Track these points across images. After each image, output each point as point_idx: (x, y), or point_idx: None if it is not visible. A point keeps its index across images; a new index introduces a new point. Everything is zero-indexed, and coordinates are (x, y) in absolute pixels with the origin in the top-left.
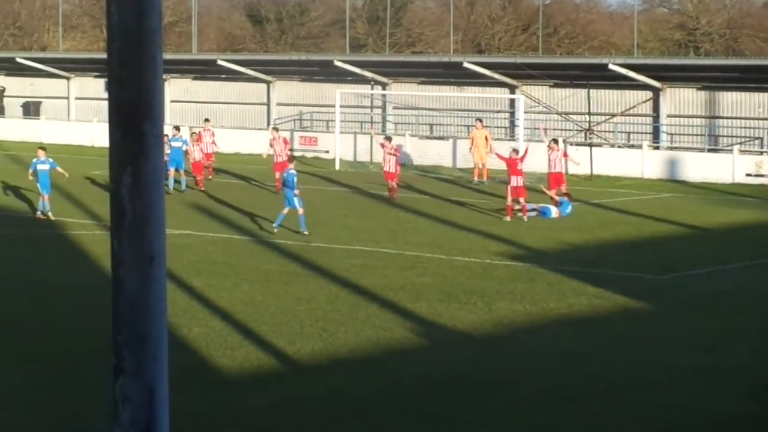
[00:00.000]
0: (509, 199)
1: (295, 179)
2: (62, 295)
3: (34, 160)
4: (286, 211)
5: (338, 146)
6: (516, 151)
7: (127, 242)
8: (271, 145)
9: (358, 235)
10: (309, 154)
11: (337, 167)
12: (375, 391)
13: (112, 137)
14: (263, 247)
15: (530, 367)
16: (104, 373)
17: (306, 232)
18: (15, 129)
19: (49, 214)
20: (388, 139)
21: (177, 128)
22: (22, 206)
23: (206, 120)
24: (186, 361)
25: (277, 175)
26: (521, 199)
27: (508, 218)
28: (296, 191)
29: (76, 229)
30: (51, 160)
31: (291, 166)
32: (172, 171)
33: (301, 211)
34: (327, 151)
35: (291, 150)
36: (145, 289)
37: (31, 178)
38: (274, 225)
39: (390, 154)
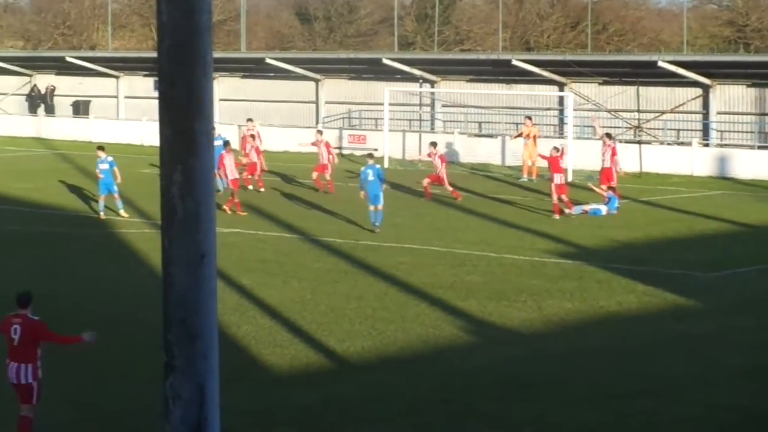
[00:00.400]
0: (555, 197)
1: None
2: (111, 293)
3: (98, 160)
4: (372, 207)
5: (387, 144)
6: (557, 148)
7: (177, 240)
8: (315, 145)
9: (407, 233)
10: (357, 153)
11: (386, 165)
12: (424, 390)
13: (162, 135)
14: (312, 246)
15: (580, 364)
16: (155, 371)
17: (379, 228)
18: (65, 128)
19: (101, 214)
20: (434, 144)
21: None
22: (72, 204)
23: (249, 120)
24: (236, 360)
25: (315, 175)
26: (563, 196)
27: (556, 216)
28: (384, 186)
29: (125, 227)
30: (111, 159)
31: (371, 161)
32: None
33: (380, 207)
34: (376, 149)
35: (333, 155)
36: (195, 287)
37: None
38: (375, 224)
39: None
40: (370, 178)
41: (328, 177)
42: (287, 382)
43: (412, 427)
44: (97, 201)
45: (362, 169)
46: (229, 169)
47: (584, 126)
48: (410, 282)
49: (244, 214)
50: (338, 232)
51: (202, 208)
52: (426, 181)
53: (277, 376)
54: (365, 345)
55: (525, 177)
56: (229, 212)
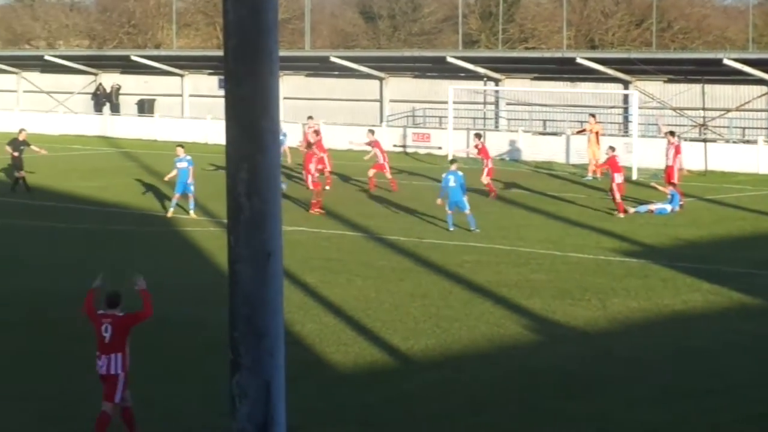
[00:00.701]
0: (617, 196)
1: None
2: (176, 291)
3: (176, 158)
4: (450, 212)
5: (451, 142)
6: (612, 148)
7: (243, 238)
8: (369, 145)
9: (472, 232)
10: (422, 151)
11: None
12: (488, 387)
13: (228, 134)
14: (376, 244)
15: (645, 363)
16: (220, 370)
17: (477, 230)
18: (130, 126)
19: (171, 211)
20: (478, 136)
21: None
22: (137, 203)
23: (309, 118)
24: (300, 358)
25: (371, 173)
26: (617, 195)
27: (621, 215)
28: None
29: (191, 225)
30: (189, 158)
31: (455, 167)
32: None
33: (467, 212)
34: (440, 147)
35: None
36: (262, 285)
37: (169, 178)
38: (472, 228)
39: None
40: (451, 184)
41: (389, 176)
42: (351, 381)
43: (475, 426)
44: (169, 198)
45: (444, 175)
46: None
47: (649, 124)
48: (475, 280)
49: (320, 213)
50: (402, 230)
51: (268, 206)
52: (486, 180)
53: (341, 375)
54: (429, 343)
55: (590, 175)
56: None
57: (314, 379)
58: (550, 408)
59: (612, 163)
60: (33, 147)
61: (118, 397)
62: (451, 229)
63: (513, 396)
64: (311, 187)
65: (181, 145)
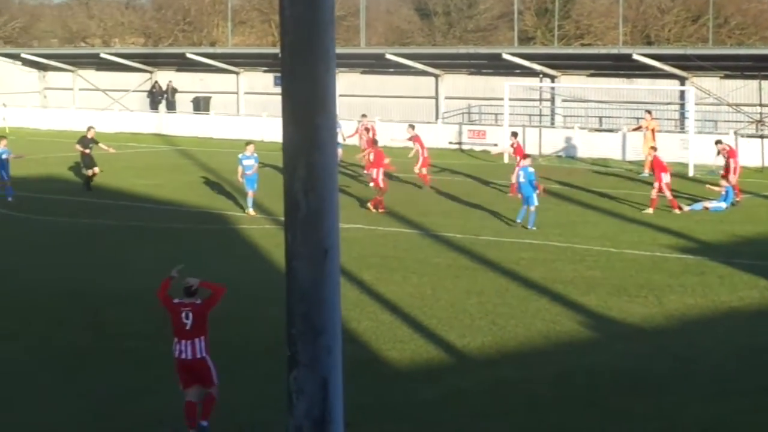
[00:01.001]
0: (669, 193)
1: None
2: (232, 289)
3: (240, 155)
4: (527, 207)
5: (506, 140)
6: (654, 148)
7: (301, 235)
8: (411, 141)
9: (528, 229)
10: (477, 148)
11: (506, 160)
12: (544, 384)
13: (285, 131)
14: (432, 241)
15: (701, 360)
16: (276, 366)
17: (534, 228)
18: (185, 124)
19: (250, 210)
20: (514, 135)
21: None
22: (193, 200)
23: (363, 116)
24: (356, 355)
25: (424, 170)
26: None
27: (677, 211)
28: (538, 190)
29: (246, 223)
30: (256, 155)
31: (527, 162)
32: None
33: (533, 209)
34: (495, 144)
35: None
36: (319, 282)
37: (240, 177)
38: (529, 226)
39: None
40: (521, 179)
41: (424, 171)
42: (408, 377)
43: (532, 423)
44: (226, 195)
45: (517, 169)
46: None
47: (705, 120)
48: (531, 277)
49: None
50: (458, 227)
51: (325, 203)
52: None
53: (397, 371)
54: (485, 340)
55: (646, 172)
56: (374, 211)
57: (370, 376)
58: (607, 405)
59: (656, 164)
60: (101, 145)
61: (216, 378)
62: (518, 221)
63: (570, 393)
64: (380, 185)
65: (250, 142)
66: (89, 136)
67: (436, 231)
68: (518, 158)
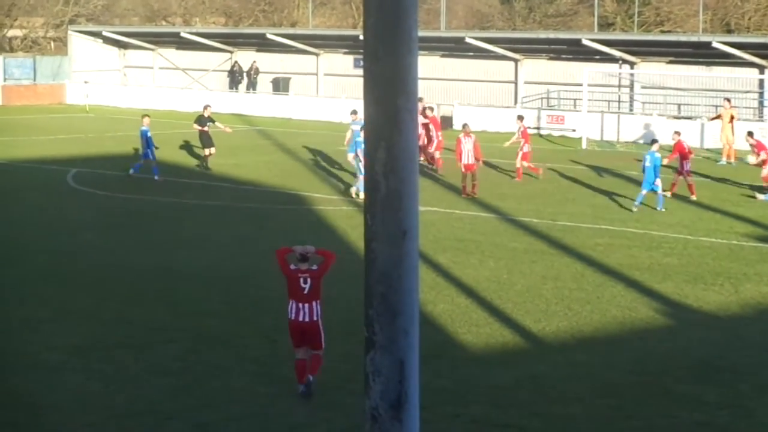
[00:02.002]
0: (690, 179)
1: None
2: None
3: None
4: (644, 192)
5: (586, 125)
6: (678, 132)
7: (380, 216)
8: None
9: (604, 214)
10: (556, 133)
11: (584, 146)
12: (619, 370)
13: (366, 112)
14: (509, 225)
15: None
16: (352, 348)
17: (663, 210)
18: (265, 105)
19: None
20: (520, 118)
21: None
22: (271, 181)
23: (419, 99)
24: (432, 337)
25: (524, 164)
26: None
27: (668, 194)
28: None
29: (323, 204)
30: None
31: (655, 147)
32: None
33: (658, 192)
34: (574, 130)
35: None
36: (397, 263)
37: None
38: (635, 203)
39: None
40: (647, 164)
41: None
42: (483, 361)
43: (606, 408)
44: (304, 177)
45: (645, 154)
46: (464, 154)
47: None
48: (607, 263)
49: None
50: (535, 212)
51: (404, 184)
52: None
53: (472, 355)
54: (561, 325)
55: (724, 160)
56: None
57: (445, 359)
58: (682, 392)
59: (679, 148)
60: (218, 124)
61: (324, 342)
62: (634, 209)
63: (644, 379)
64: (464, 170)
65: (354, 111)
66: (206, 114)
67: (513, 215)
68: (522, 142)
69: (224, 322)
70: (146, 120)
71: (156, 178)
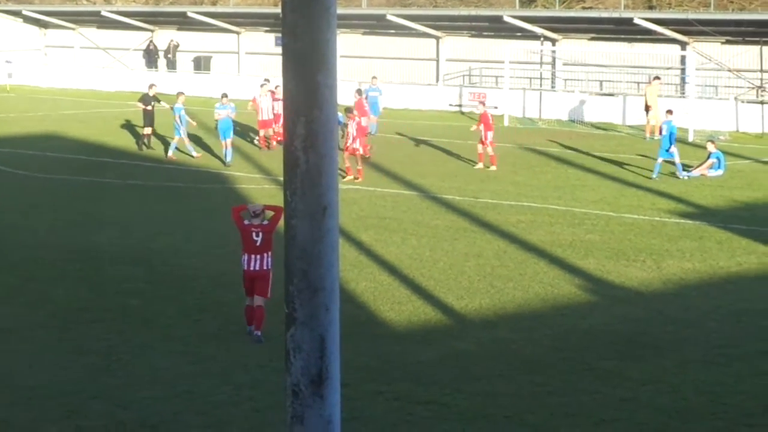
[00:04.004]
0: (490, 149)
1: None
2: (233, 247)
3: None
4: (660, 159)
5: (507, 102)
6: (483, 103)
7: (300, 192)
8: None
9: (527, 192)
10: (478, 111)
11: (506, 123)
12: (542, 347)
13: (285, 88)
14: (431, 203)
15: (699, 325)
16: (274, 325)
17: (685, 177)
18: (185, 83)
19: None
20: (482, 102)
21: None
22: (194, 161)
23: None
24: (354, 315)
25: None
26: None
27: (490, 167)
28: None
29: (245, 182)
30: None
31: (671, 117)
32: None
33: (677, 159)
34: (496, 107)
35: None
36: (318, 239)
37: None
38: (653, 174)
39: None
40: (663, 132)
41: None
42: (405, 338)
43: (529, 384)
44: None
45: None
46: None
47: (706, 86)
48: (529, 240)
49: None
50: (457, 190)
51: (324, 160)
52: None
53: (395, 332)
54: (484, 302)
55: (648, 136)
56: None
57: (368, 336)
58: (604, 368)
59: (484, 119)
60: (163, 102)
61: (270, 292)
62: (654, 177)
63: (567, 356)
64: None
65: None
66: (151, 93)
67: (435, 193)
68: (482, 125)
69: (148, 301)
70: (182, 98)
71: (194, 155)
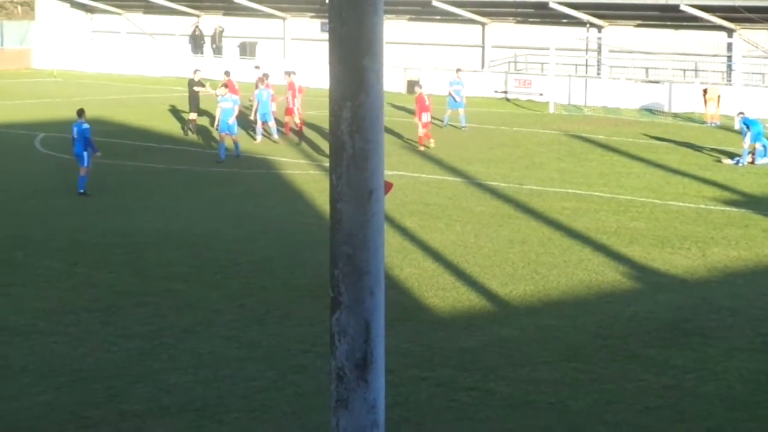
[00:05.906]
0: (421, 130)
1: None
2: (277, 234)
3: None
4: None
5: (553, 89)
6: (420, 86)
7: (345, 176)
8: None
9: (572, 179)
10: (523, 97)
11: (552, 110)
12: (586, 334)
13: (332, 73)
14: (476, 189)
15: (744, 312)
16: (319, 310)
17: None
18: (231, 68)
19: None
20: (420, 86)
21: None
22: (251, 146)
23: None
24: (398, 301)
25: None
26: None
27: (421, 148)
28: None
29: (291, 168)
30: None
31: (743, 116)
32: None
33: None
34: (541, 94)
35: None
36: (363, 223)
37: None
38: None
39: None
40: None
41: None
42: (449, 325)
43: (572, 371)
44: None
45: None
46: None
47: (752, 73)
48: (574, 227)
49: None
50: (502, 176)
51: (370, 145)
52: None
53: (439, 319)
54: (528, 289)
55: (709, 122)
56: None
57: (412, 322)
58: (648, 355)
59: (420, 101)
60: (208, 87)
61: None
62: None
63: (611, 343)
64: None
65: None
66: (196, 78)
67: (479, 179)
68: (418, 109)
69: (192, 286)
70: (223, 89)
71: (275, 136)
